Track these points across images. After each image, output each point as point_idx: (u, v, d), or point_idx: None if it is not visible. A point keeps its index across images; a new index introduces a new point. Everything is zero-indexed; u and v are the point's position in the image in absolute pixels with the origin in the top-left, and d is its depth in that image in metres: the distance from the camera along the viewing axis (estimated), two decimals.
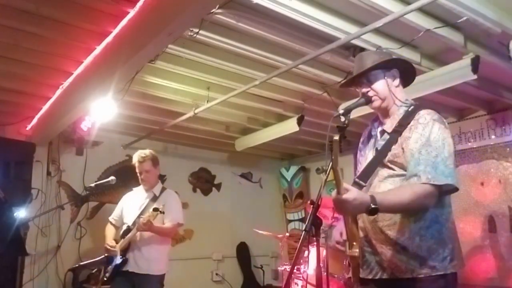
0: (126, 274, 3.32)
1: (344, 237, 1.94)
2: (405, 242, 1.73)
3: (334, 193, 1.56)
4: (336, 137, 1.51)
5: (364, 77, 1.92)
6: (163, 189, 3.58)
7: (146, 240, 3.34)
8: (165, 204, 3.40)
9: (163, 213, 3.22)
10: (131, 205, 3.56)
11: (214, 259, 5.81)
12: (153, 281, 3.35)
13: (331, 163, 1.55)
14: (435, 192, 1.66)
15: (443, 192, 1.72)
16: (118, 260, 3.34)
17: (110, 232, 3.58)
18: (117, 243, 3.43)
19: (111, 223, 3.63)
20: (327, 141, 1.59)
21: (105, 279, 3.38)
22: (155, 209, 3.18)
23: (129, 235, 3.34)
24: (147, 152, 3.53)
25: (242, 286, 5.92)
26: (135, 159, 3.50)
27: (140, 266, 3.32)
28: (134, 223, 3.37)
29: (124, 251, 3.36)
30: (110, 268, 3.37)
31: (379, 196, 1.60)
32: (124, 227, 3.46)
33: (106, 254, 3.43)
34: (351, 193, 1.54)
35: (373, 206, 1.55)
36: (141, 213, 3.39)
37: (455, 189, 1.74)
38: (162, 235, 3.41)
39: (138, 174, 3.52)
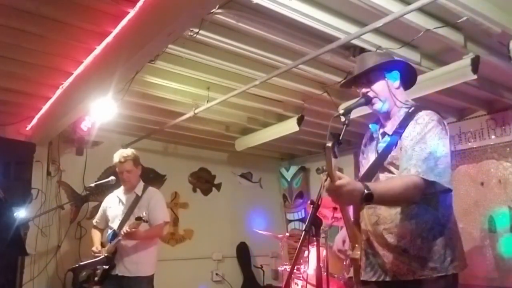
0: (115, 278, 3.35)
1: (347, 246, 1.94)
2: (406, 244, 1.74)
3: (327, 182, 1.54)
4: (329, 144, 1.51)
5: (364, 78, 1.92)
6: (145, 188, 3.56)
7: (133, 243, 3.35)
8: (148, 204, 3.43)
9: (147, 221, 3.22)
10: (115, 207, 3.56)
11: (214, 259, 5.81)
12: (143, 282, 3.38)
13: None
14: (423, 185, 1.66)
15: (437, 192, 1.73)
16: (105, 264, 3.36)
17: (96, 236, 3.62)
18: (103, 246, 3.46)
19: (95, 226, 3.67)
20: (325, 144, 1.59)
21: (95, 281, 3.40)
22: (138, 218, 3.18)
23: (115, 241, 3.35)
24: (129, 152, 3.53)
25: (242, 286, 5.92)
26: (116, 159, 3.49)
27: (129, 269, 3.35)
28: (119, 227, 3.39)
29: (113, 255, 3.37)
30: (99, 272, 3.39)
31: (372, 184, 1.61)
32: (110, 232, 3.47)
33: (106, 254, 3.43)
34: (344, 179, 1.53)
35: (367, 192, 1.54)
36: (125, 217, 3.40)
37: (448, 189, 1.74)
38: (149, 238, 3.43)
39: (119, 174, 3.52)
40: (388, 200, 1.68)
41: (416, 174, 1.66)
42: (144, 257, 3.40)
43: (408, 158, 1.72)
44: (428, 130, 1.74)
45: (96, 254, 3.42)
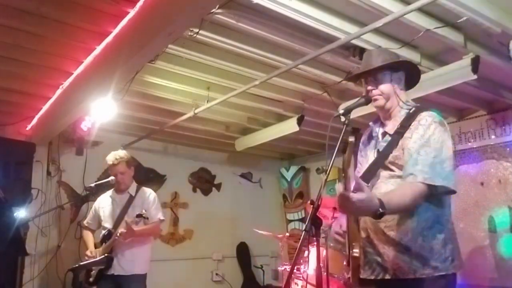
0: (111, 277, 3.36)
1: (344, 228, 1.93)
2: (408, 242, 1.74)
3: (339, 186, 1.49)
4: (352, 139, 1.49)
5: (372, 76, 1.92)
6: (138, 188, 3.60)
7: (128, 242, 3.37)
8: (142, 203, 3.48)
9: (147, 218, 3.23)
10: (108, 208, 3.59)
11: (214, 259, 5.81)
12: (139, 280, 3.42)
13: (341, 165, 1.51)
14: (427, 192, 1.67)
15: (439, 193, 1.73)
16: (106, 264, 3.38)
17: (89, 238, 3.63)
18: (96, 247, 3.47)
19: (86, 227, 3.69)
20: (338, 142, 1.57)
21: (89, 282, 3.40)
22: (139, 215, 3.21)
23: (111, 240, 3.37)
24: (121, 153, 3.57)
25: (242, 286, 5.92)
26: (110, 161, 3.52)
27: (125, 268, 3.38)
28: (114, 227, 3.41)
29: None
30: (93, 273, 3.40)
31: (385, 199, 1.56)
32: (105, 232, 3.49)
33: (106, 254, 3.43)
34: (362, 194, 1.47)
35: (381, 211, 1.51)
36: (120, 217, 3.42)
37: (452, 191, 1.75)
38: (146, 236, 3.47)
39: (113, 176, 3.54)
40: (398, 211, 1.71)
41: (423, 180, 1.66)
42: (138, 255, 3.44)
43: (413, 163, 1.71)
44: (431, 133, 1.74)
45: (90, 257, 3.42)
